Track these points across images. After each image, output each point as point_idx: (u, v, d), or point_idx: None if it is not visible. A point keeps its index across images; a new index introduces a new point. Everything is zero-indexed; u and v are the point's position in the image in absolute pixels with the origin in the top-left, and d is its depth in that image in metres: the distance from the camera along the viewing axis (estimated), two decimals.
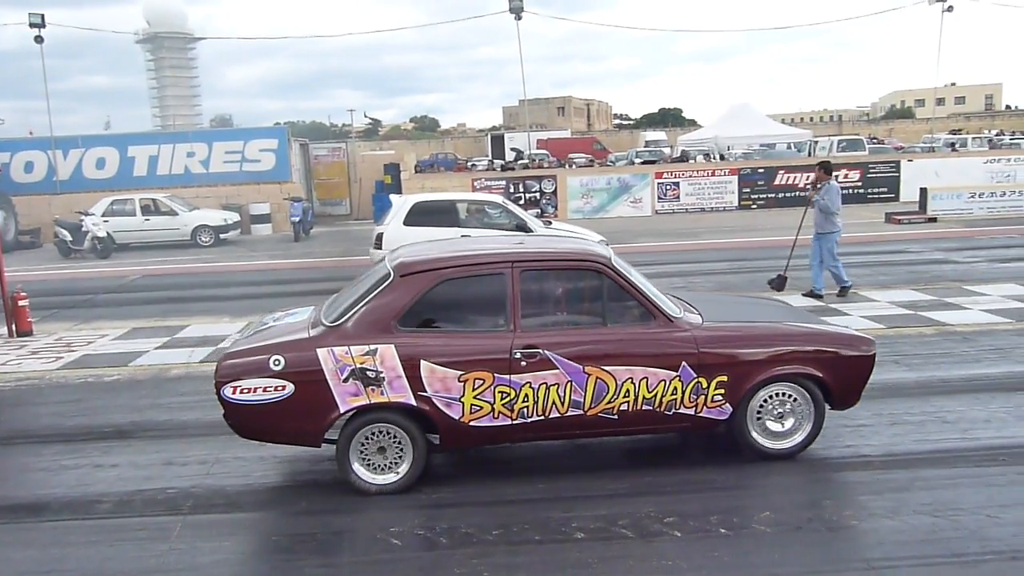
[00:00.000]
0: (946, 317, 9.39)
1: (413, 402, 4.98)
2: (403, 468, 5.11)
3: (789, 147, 36.43)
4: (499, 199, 13.77)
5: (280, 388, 4.92)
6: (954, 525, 4.46)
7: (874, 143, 41.84)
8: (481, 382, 4.99)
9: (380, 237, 12.48)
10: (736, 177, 24.37)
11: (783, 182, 24.24)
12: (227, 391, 4.96)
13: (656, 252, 16.49)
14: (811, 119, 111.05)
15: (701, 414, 5.25)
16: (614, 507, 4.84)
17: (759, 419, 5.38)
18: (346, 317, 5.06)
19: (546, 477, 5.32)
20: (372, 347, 4.95)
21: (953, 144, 36.98)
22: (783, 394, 5.37)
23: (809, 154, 33.91)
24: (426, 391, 4.97)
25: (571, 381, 5.05)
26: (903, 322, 9.24)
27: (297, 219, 21.74)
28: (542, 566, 4.23)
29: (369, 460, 5.11)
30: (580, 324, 5.33)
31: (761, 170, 24.79)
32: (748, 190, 24.35)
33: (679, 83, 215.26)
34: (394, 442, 5.10)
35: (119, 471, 5.74)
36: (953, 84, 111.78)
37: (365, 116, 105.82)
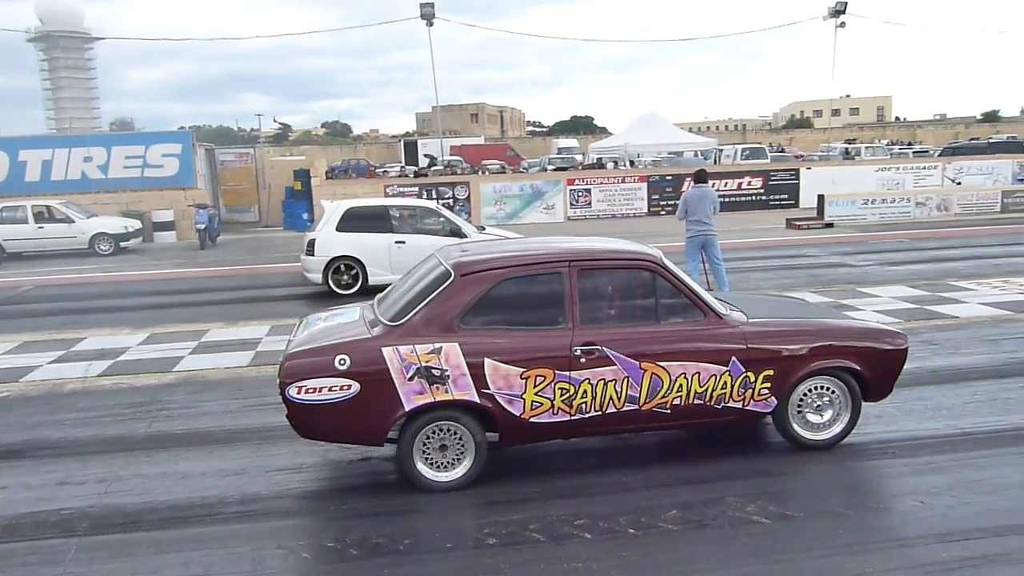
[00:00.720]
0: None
1: (477, 399, 5.05)
2: (464, 465, 5.18)
3: (696, 155, 37.47)
4: (433, 205, 13.82)
5: (346, 387, 4.95)
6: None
7: (776, 151, 43.49)
8: (542, 379, 5.10)
9: (312, 243, 12.61)
10: (645, 184, 24.92)
11: (689, 189, 24.90)
12: (292, 391, 4.95)
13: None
14: (717, 128, 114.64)
15: (748, 407, 5.46)
16: (526, 511, 4.87)
17: (800, 412, 5.62)
18: (409, 316, 5.12)
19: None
20: (437, 345, 5.01)
21: (848, 153, 38.78)
22: (823, 387, 5.61)
23: (715, 162, 34.97)
24: (489, 388, 5.06)
25: (628, 377, 5.19)
26: None
27: (203, 226, 21.09)
28: (455, 573, 4.23)
29: (430, 458, 5.16)
30: (634, 321, 5.44)
31: (669, 177, 25.42)
32: (657, 197, 24.93)
33: (591, 91, 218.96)
34: (456, 440, 5.16)
35: (8, 493, 5.44)
36: (848, 96, 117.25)
37: (275, 121, 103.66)
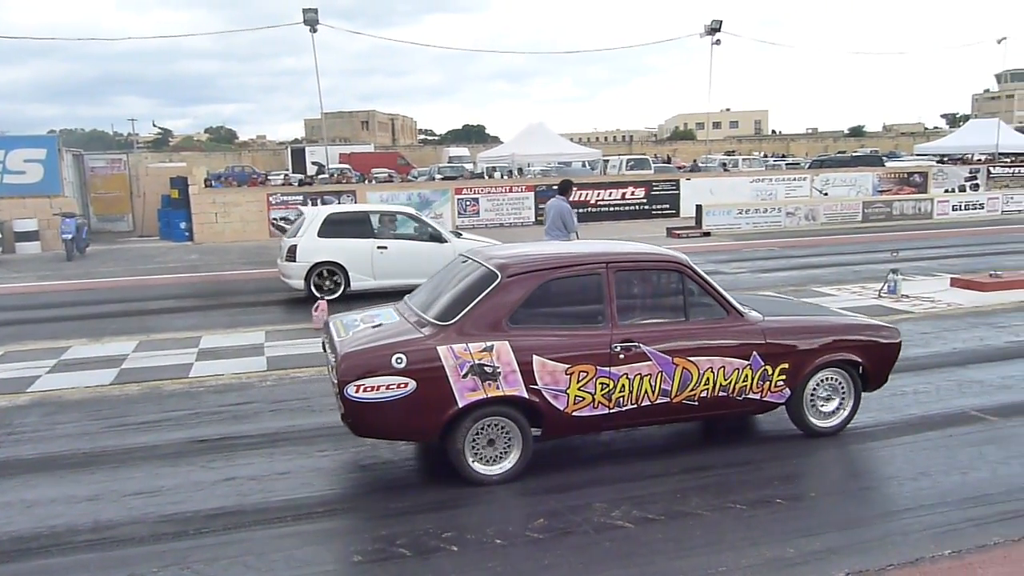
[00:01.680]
0: None
1: (525, 395, 5.28)
2: (512, 459, 5.40)
3: (584, 165, 38.32)
4: (413, 211, 13.98)
5: (403, 385, 5.10)
6: None
7: (659, 162, 44.92)
8: (585, 374, 5.37)
9: (294, 249, 12.48)
10: (532, 193, 25.23)
11: (575, 199, 25.29)
12: (350, 390, 5.05)
13: None
14: (606, 139, 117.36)
15: (765, 399, 5.90)
16: (392, 527, 4.84)
17: (812, 402, 6.09)
18: (459, 316, 5.30)
19: (325, 498, 5.24)
20: (488, 344, 5.22)
21: (725, 164, 40.45)
22: (830, 378, 6.11)
23: (602, 172, 35.84)
24: (537, 384, 5.29)
25: (662, 371, 5.53)
26: None
27: (70, 236, 19.94)
28: None
29: (479, 453, 5.35)
30: (665, 319, 5.75)
31: (555, 187, 25.76)
32: (543, 206, 25.22)
33: (483, 100, 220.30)
34: (503, 434, 5.37)
35: None
36: (728, 110, 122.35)
37: (154, 125, 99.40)
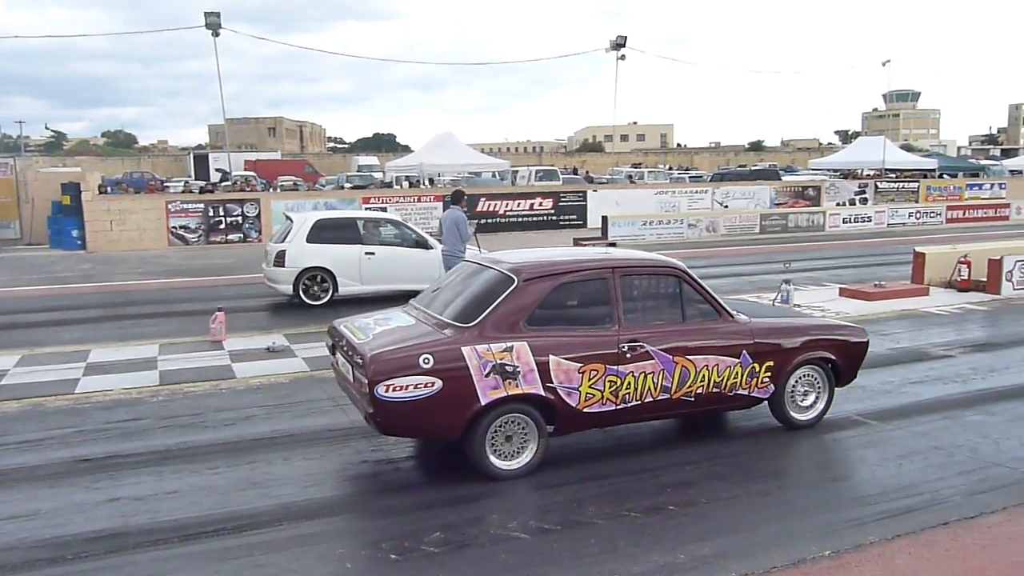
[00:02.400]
0: None
1: (542, 392, 5.55)
2: (528, 454, 5.66)
3: (494, 175, 38.46)
4: (398, 217, 14.23)
5: (430, 384, 5.29)
6: None
7: (569, 173, 45.50)
8: (595, 373, 5.69)
9: (282, 255, 12.56)
10: (441, 203, 25.16)
11: (485, 208, 25.45)
12: (380, 390, 5.19)
13: None
14: (516, 149, 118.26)
15: (753, 394, 6.35)
16: (287, 549, 4.72)
17: (792, 397, 6.58)
18: (480, 318, 5.55)
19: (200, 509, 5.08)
20: (509, 344, 5.48)
21: (631, 176, 41.33)
22: (807, 375, 6.62)
23: (512, 183, 36.04)
24: (552, 382, 5.58)
25: (663, 369, 5.90)
26: None
27: None
28: None
29: (498, 448, 5.57)
30: (665, 321, 6.12)
31: (450, 197, 25.82)
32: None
33: (394, 108, 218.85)
34: (520, 430, 5.62)
35: None
36: (635, 123, 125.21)
37: (47, 128, 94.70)
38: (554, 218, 26.65)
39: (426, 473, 5.95)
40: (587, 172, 51.18)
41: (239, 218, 23.38)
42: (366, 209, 24.30)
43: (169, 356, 9.51)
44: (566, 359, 5.61)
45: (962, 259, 13.68)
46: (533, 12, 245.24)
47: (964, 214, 29.74)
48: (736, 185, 31.62)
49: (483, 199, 25.83)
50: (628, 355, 5.78)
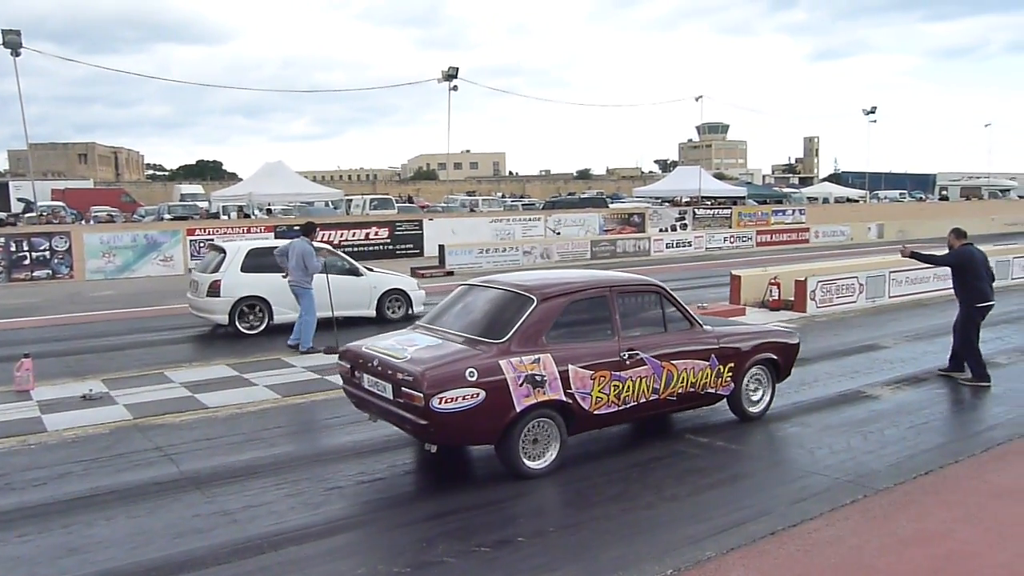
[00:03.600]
0: None
1: (563, 398, 6.26)
2: (551, 454, 6.34)
3: (327, 204, 37.73)
4: (328, 247, 14.00)
5: (475, 396, 5.85)
6: None
7: (402, 202, 45.42)
8: (603, 378, 6.46)
9: (217, 285, 12.44)
10: (272, 234, 24.32)
11: (318, 239, 24.81)
12: (435, 402, 5.70)
13: (188, 314, 15.60)
14: (349, 177, 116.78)
15: (718, 391, 7.39)
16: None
17: (746, 393, 7.69)
18: (510, 334, 6.19)
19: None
20: (536, 356, 6.16)
21: (466, 204, 41.84)
22: (756, 374, 7.76)
23: (346, 212, 35.50)
24: (571, 388, 6.30)
25: (654, 374, 6.75)
26: None
27: None
28: None
29: (526, 451, 6.21)
30: (652, 331, 6.98)
31: (296, 227, 25.12)
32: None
33: (219, 134, 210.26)
34: (544, 433, 6.28)
35: None
36: (468, 151, 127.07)
37: None
38: (390, 247, 26.44)
39: (256, 522, 5.66)
40: (410, 198, 51.32)
41: (46, 253, 21.54)
42: (191, 242, 23.14)
43: None
44: (581, 367, 6.35)
45: (772, 280, 14.81)
46: (364, 39, 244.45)
47: (771, 238, 32.30)
48: (567, 213, 32.73)
49: (317, 229, 25.18)
50: (627, 362, 6.60)
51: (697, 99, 44.69)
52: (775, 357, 7.83)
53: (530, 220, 30.49)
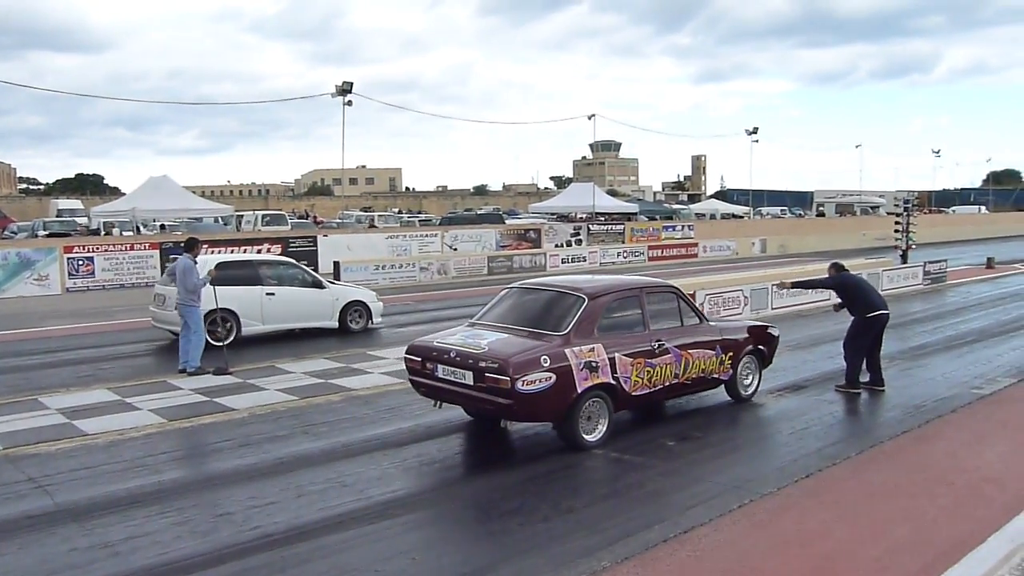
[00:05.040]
0: (351, 383, 10.25)
1: (612, 381, 7.44)
2: (601, 429, 7.49)
3: (216, 221, 36.49)
4: (293, 261, 14.88)
5: (547, 379, 6.95)
6: None
7: (296, 217, 44.46)
8: (640, 364, 7.69)
9: None
10: (158, 251, 23.37)
11: (206, 255, 23.97)
12: (519, 385, 6.79)
13: (65, 336, 14.78)
14: (241, 192, 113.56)
15: (720, 377, 8.72)
16: None
17: (741, 379, 9.01)
18: (569, 328, 7.35)
19: None
20: (591, 346, 7.33)
21: (362, 220, 41.32)
22: (747, 361, 9.07)
23: (236, 228, 34.44)
24: (617, 373, 7.48)
25: (675, 361, 8.04)
26: (314, 392, 9.80)
27: None
28: None
29: (582, 426, 7.31)
30: (671, 325, 8.27)
31: (183, 244, 24.20)
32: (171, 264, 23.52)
33: (99, 148, 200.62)
34: (596, 411, 7.44)
35: None
36: (364, 166, 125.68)
37: None
38: None
39: (139, 553, 5.39)
40: (306, 213, 50.38)
41: None
42: (68, 260, 21.96)
43: None
44: (624, 355, 7.54)
45: None
46: (255, 52, 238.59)
47: (662, 253, 33.31)
48: (464, 229, 32.78)
49: (205, 246, 24.25)
50: (657, 350, 7.84)
51: (589, 117, 45.41)
52: (762, 348, 9.24)
53: (427, 236, 30.36)
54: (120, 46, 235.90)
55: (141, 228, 31.35)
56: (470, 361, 7.09)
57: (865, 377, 9.74)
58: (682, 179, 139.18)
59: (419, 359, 7.69)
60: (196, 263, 11.02)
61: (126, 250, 23.08)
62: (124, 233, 30.33)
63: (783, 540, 5.45)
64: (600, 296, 7.71)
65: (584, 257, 30.29)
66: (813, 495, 6.33)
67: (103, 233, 30.03)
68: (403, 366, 10.98)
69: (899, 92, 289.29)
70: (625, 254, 32.03)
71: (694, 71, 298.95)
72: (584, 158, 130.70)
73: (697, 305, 9.02)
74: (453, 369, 7.25)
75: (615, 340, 7.56)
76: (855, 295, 9.82)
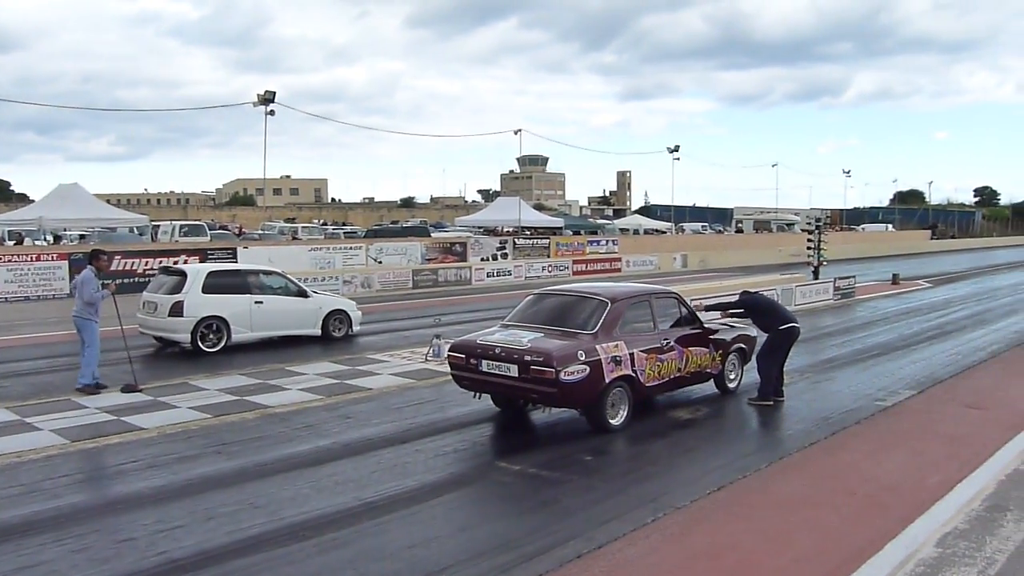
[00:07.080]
0: (268, 400, 10.01)
1: (632, 373, 8.53)
2: (623, 414, 8.58)
3: (132, 231, 35.30)
4: (279, 271, 15.25)
5: (583, 371, 8.03)
6: None
7: (216, 228, 43.36)
8: (652, 359, 8.82)
9: (179, 305, 12.97)
10: (67, 262, 22.43)
11: (121, 268, 23.11)
12: (563, 375, 7.85)
13: None
14: (159, 201, 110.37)
15: (712, 372, 9.95)
16: None
17: (727, 374, 10.28)
18: (597, 327, 8.47)
19: None
20: (615, 343, 8.45)
21: (285, 231, 40.58)
22: (732, 359, 10.34)
23: (152, 239, 33.40)
24: (635, 366, 8.58)
25: (679, 356, 9.22)
26: (229, 409, 9.53)
27: None
28: None
29: (608, 412, 8.39)
30: (674, 326, 9.56)
31: (88, 256, 23.30)
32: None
33: (6, 153, 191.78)
34: (619, 399, 8.52)
35: None
36: (289, 176, 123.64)
37: None
38: None
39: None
40: (240, 227, 49.25)
41: None
42: None
43: None
44: (640, 351, 8.67)
45: None
46: (174, 58, 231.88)
47: (587, 267, 33.74)
48: (390, 241, 32.51)
49: (118, 257, 23.46)
50: (664, 348, 9.01)
51: (516, 132, 45.73)
52: (744, 347, 10.52)
53: (351, 248, 29.95)
54: (29, 47, 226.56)
55: (51, 239, 30.11)
56: (515, 356, 8.11)
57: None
58: (608, 194, 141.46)
59: (463, 356, 8.63)
60: (96, 275, 10.59)
61: (31, 260, 22.09)
62: (36, 243, 29.10)
63: (693, 553, 5.55)
64: (620, 300, 8.90)
65: (509, 271, 30.42)
66: (724, 507, 6.47)
67: (8, 243, 28.71)
68: (322, 382, 10.96)
69: (812, 114, 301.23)
70: (550, 268, 32.32)
71: (619, 89, 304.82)
72: (512, 172, 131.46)
73: (693, 309, 10.07)
74: (498, 363, 8.25)
75: (632, 338, 8.69)
76: (767, 311, 10.22)
